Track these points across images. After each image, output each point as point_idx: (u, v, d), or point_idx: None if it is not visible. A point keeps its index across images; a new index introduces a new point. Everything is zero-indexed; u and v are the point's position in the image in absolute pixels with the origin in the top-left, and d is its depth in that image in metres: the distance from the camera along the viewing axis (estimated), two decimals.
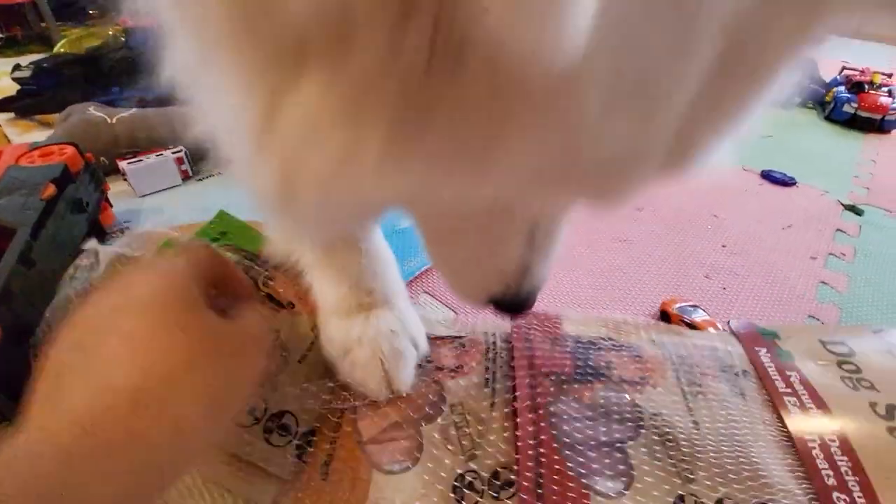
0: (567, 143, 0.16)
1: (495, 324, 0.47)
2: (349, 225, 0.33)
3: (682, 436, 0.38)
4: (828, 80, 1.30)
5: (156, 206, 0.75)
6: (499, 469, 0.37)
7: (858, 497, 0.34)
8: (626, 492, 0.35)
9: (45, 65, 1.05)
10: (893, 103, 1.17)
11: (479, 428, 0.39)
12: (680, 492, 0.35)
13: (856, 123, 1.19)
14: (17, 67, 1.07)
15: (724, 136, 0.19)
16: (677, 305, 0.53)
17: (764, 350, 0.45)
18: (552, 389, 0.41)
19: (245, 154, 0.18)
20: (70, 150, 0.60)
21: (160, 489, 0.25)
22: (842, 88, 1.23)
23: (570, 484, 0.35)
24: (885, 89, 1.21)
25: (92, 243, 0.44)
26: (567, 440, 0.38)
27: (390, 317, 0.42)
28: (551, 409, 0.39)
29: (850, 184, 0.90)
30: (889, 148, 1.12)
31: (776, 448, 0.38)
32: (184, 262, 0.30)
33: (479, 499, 0.35)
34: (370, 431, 0.38)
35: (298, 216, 0.19)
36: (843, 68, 1.36)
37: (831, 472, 0.36)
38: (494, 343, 0.45)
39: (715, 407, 0.40)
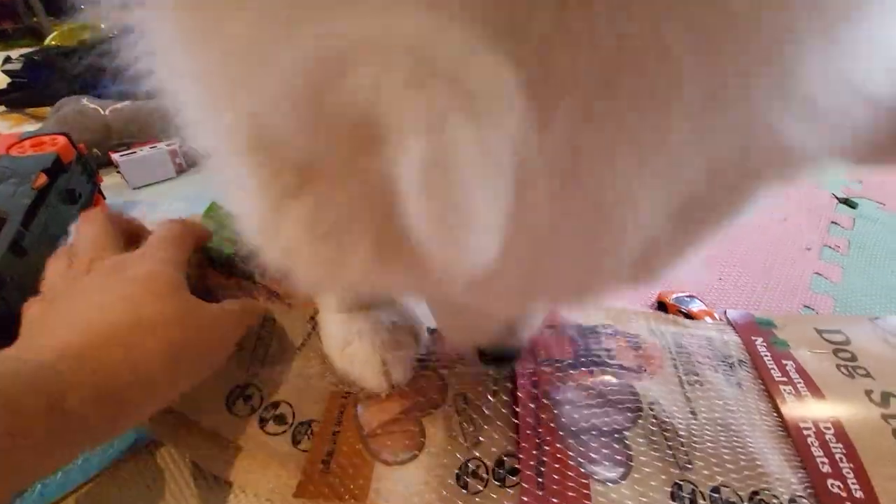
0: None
1: None
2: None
3: (681, 425, 0.38)
4: None
5: (149, 199, 0.74)
6: (504, 457, 0.36)
7: (853, 484, 0.34)
8: (623, 480, 0.35)
9: (36, 57, 1.03)
10: None
11: (485, 414, 0.39)
12: (677, 480, 0.35)
13: None
14: (7, 60, 1.06)
15: (689, 258, 0.20)
16: (674, 296, 0.53)
17: (760, 339, 0.45)
18: (554, 376, 0.41)
19: (252, 225, 0.20)
20: (62, 140, 0.59)
21: (124, 419, 0.30)
22: None
23: (570, 473, 0.35)
24: None
25: None
26: (569, 427, 0.38)
27: (390, 310, 0.41)
28: (553, 396, 0.39)
29: (844, 178, 0.90)
30: None
31: (772, 437, 0.38)
32: (173, 251, 0.37)
33: (482, 487, 0.35)
34: (372, 423, 0.38)
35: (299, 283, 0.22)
36: None
37: (826, 460, 0.36)
38: None
39: (712, 396, 0.40)
